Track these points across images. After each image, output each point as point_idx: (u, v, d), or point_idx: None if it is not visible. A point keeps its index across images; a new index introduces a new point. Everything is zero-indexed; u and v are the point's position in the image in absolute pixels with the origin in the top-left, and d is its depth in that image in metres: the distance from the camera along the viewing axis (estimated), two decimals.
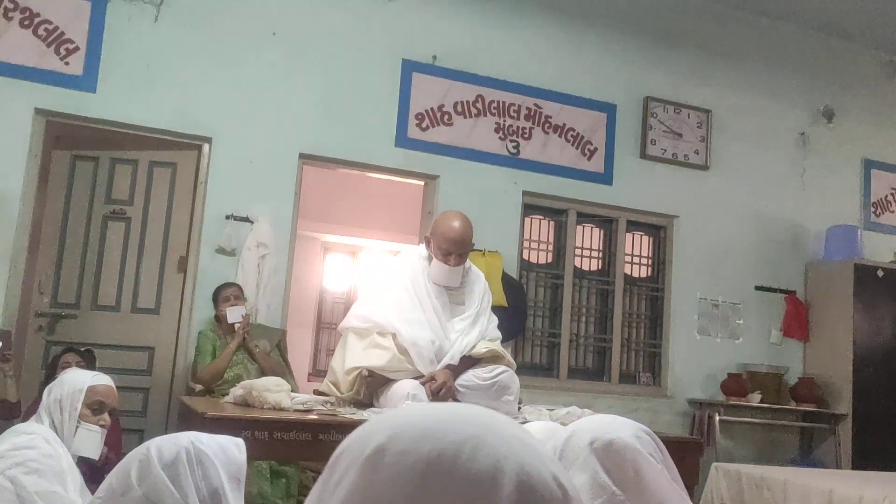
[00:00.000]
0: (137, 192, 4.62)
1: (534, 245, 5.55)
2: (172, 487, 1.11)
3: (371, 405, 2.83)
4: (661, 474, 1.21)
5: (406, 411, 0.59)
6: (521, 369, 5.26)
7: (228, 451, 1.18)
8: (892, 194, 6.49)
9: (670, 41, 5.87)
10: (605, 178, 5.60)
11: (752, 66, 6.09)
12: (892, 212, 6.48)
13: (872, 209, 6.40)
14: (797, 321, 5.91)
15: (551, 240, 5.63)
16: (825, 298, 5.90)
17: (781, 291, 5.97)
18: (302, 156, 4.86)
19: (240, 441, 1.23)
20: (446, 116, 5.20)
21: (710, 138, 5.88)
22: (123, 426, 3.98)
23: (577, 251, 5.65)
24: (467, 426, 0.56)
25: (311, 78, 4.88)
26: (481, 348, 2.91)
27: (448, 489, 0.52)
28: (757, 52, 6.13)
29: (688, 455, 2.78)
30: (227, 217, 4.58)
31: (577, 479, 1.17)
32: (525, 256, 5.49)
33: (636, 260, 5.82)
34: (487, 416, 0.58)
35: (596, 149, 5.59)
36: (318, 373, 7.39)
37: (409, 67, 5.13)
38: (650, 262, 5.87)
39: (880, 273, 5.81)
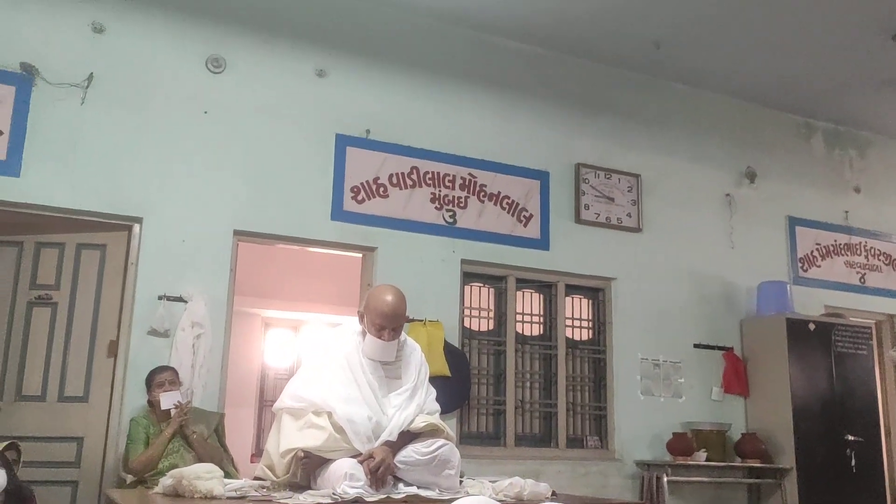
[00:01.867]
0: (64, 275, 4.49)
1: (475, 313, 5.56)
2: None
3: (308, 487, 2.74)
4: None
5: None
6: (468, 438, 5.21)
7: None
8: (816, 249, 6.74)
9: (597, 110, 6.08)
10: (542, 243, 5.68)
11: (676, 131, 6.34)
12: (818, 266, 6.71)
13: (800, 264, 6.62)
14: (736, 377, 6.00)
15: (492, 307, 5.65)
16: (761, 353, 6.02)
17: (719, 348, 6.08)
18: (237, 232, 4.81)
19: None
20: (382, 188, 5.24)
21: (641, 201, 6.05)
22: None
23: (518, 317, 5.68)
24: None
25: (244, 154, 4.88)
26: (420, 422, 2.86)
27: None
28: (680, 118, 6.39)
29: None
30: (160, 297, 4.48)
31: None
32: (466, 324, 5.49)
33: (577, 323, 5.87)
34: None
35: (531, 215, 5.68)
36: (261, 452, 7.16)
37: (343, 142, 5.18)
38: (591, 324, 5.93)
39: (812, 326, 5.97)
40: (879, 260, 7.01)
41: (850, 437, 5.82)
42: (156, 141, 4.66)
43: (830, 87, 6.44)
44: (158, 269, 4.53)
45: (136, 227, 4.58)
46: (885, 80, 6.24)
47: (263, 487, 2.74)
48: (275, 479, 2.77)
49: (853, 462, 5.78)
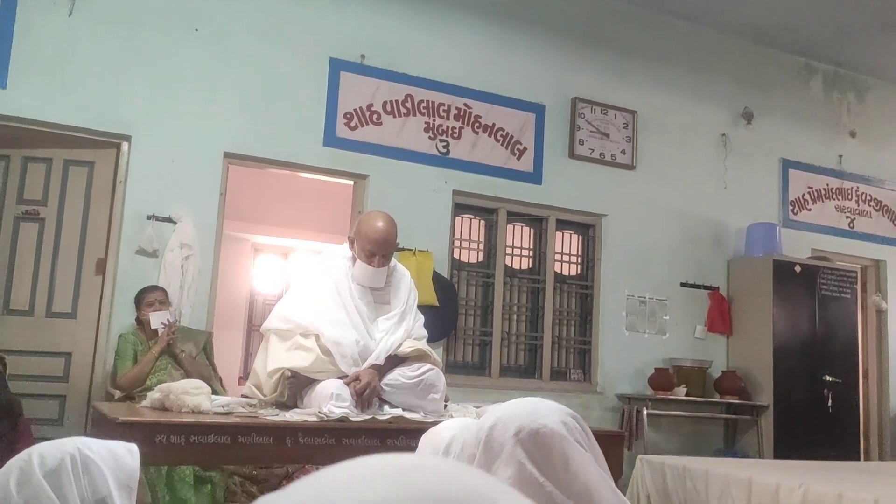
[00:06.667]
0: (52, 191, 4.44)
1: (464, 244, 5.57)
2: (54, 497, 1.05)
3: (295, 407, 2.78)
4: (589, 461, 1.18)
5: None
6: (453, 368, 5.28)
7: (119, 456, 1.12)
8: (808, 193, 6.74)
9: (597, 44, 5.97)
10: (535, 177, 5.65)
11: (675, 68, 6.25)
12: (809, 210, 6.73)
13: (790, 207, 6.63)
14: (720, 316, 6.07)
15: (482, 239, 5.65)
16: (746, 294, 6.08)
17: (705, 287, 6.13)
18: (227, 155, 4.75)
19: (132, 446, 1.17)
20: (375, 116, 5.17)
21: (636, 139, 6.00)
22: (38, 435, 3.82)
23: (508, 250, 5.69)
24: None
25: (236, 75, 4.78)
26: (407, 347, 2.89)
27: None
28: (679, 55, 6.28)
29: (611, 447, 2.81)
30: (149, 217, 4.45)
31: (502, 473, 1.13)
32: (456, 255, 5.50)
33: (566, 258, 5.90)
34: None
35: (525, 148, 5.64)
36: (248, 375, 7.24)
37: (337, 66, 5.08)
38: (579, 260, 5.96)
39: (798, 269, 6.02)
40: (869, 205, 7.02)
41: (829, 378, 5.94)
42: (145, 57, 4.55)
43: (833, 29, 6.34)
44: (147, 188, 4.49)
45: (125, 145, 4.51)
46: (888, 23, 6.14)
47: (250, 405, 2.78)
48: (262, 397, 2.81)
49: (829, 402, 5.91)
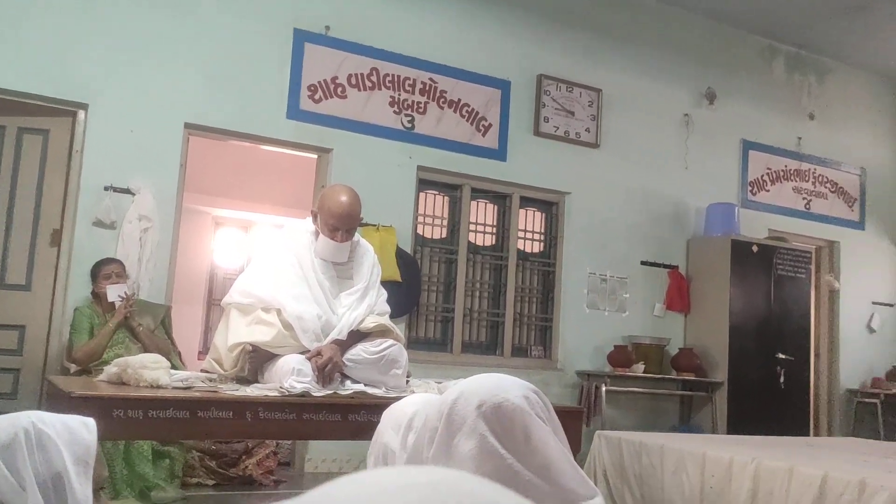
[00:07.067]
0: (5, 160, 4.32)
1: (428, 220, 5.56)
2: (7, 472, 1.03)
3: (255, 381, 2.76)
4: (549, 435, 1.19)
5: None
6: (415, 344, 5.29)
7: (75, 431, 1.10)
8: (766, 174, 6.85)
9: (564, 21, 5.96)
10: (500, 154, 5.65)
11: (640, 47, 6.27)
12: (767, 191, 6.84)
13: (749, 188, 6.74)
14: (679, 295, 6.17)
15: (446, 215, 5.65)
16: (705, 273, 6.18)
17: (665, 266, 6.22)
18: (188, 125, 4.66)
19: (89, 420, 1.15)
20: (340, 89, 5.11)
21: (601, 117, 6.03)
22: None
23: (472, 226, 5.70)
24: None
25: (197, 44, 4.68)
26: (369, 323, 2.88)
27: None
28: (645, 34, 6.31)
29: (570, 423, 2.85)
30: (106, 188, 4.36)
31: (464, 445, 1.14)
32: (419, 231, 5.49)
33: (529, 235, 5.93)
34: None
35: (490, 125, 5.63)
36: (208, 350, 7.17)
37: (301, 37, 5.00)
38: (542, 237, 5.99)
39: (755, 248, 6.14)
40: (826, 187, 7.17)
41: (782, 356, 6.08)
42: (103, 23, 4.43)
43: (797, 11, 6.41)
44: (105, 158, 4.39)
45: (82, 114, 4.40)
46: (851, 6, 6.22)
47: (210, 379, 2.75)
48: (222, 372, 2.78)
49: (782, 380, 6.06)
